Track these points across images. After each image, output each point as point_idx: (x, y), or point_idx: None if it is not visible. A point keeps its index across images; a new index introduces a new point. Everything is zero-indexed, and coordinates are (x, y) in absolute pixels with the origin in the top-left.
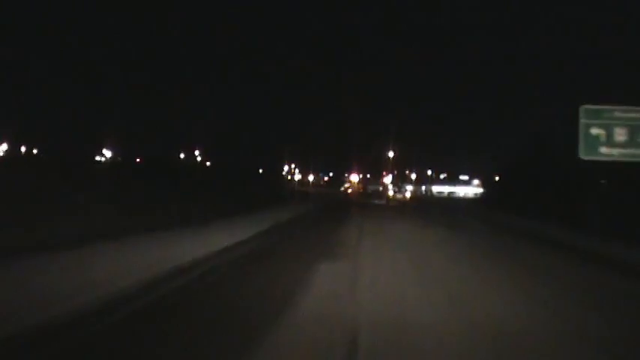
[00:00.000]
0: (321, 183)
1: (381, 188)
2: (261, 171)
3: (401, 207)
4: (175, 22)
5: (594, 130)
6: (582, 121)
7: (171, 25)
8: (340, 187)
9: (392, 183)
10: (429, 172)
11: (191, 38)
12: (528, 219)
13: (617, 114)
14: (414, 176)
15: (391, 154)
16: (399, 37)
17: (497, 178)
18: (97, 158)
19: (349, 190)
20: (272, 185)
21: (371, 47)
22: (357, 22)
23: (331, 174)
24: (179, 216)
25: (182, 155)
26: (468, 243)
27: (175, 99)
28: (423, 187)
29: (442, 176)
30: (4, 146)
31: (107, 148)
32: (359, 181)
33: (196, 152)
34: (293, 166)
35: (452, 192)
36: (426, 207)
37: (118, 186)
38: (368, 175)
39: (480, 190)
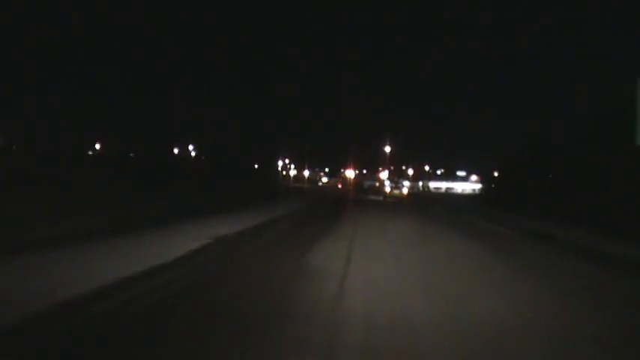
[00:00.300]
0: (317, 178)
1: (377, 184)
2: (257, 166)
3: (399, 204)
4: (175, 21)
5: None
6: None
7: (171, 24)
8: (321, 181)
9: (388, 179)
10: (427, 168)
11: (190, 38)
12: (533, 218)
13: None
14: (411, 172)
15: (388, 149)
16: (399, 36)
17: (496, 174)
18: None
19: (327, 185)
20: (265, 181)
21: (370, 47)
22: (357, 21)
23: (327, 169)
24: (136, 216)
25: (176, 150)
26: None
27: (175, 96)
28: (420, 183)
29: (439, 172)
30: None
31: (102, 143)
32: (355, 176)
33: (190, 147)
34: (287, 161)
35: (449, 188)
36: (427, 204)
37: (80, 182)
38: (364, 171)
39: (478, 186)
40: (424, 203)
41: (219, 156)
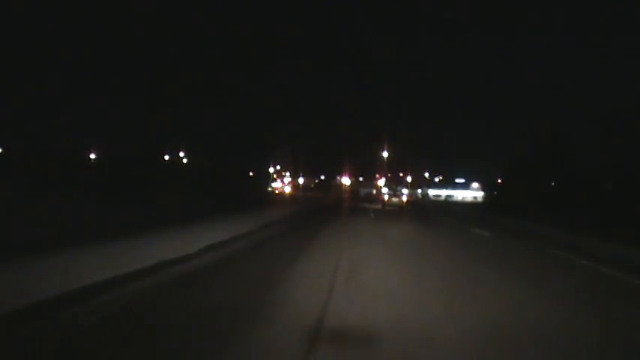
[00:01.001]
0: (312, 186)
1: (374, 191)
2: (251, 173)
3: (401, 213)
4: (172, 21)
5: None
6: None
7: (169, 25)
8: (270, 187)
9: (386, 186)
10: (427, 175)
11: (188, 37)
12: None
13: None
14: (409, 179)
15: (385, 154)
16: (400, 36)
17: (499, 181)
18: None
19: (280, 191)
20: (249, 188)
21: (369, 47)
22: (356, 21)
23: (322, 177)
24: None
25: (167, 157)
26: None
27: (170, 100)
28: (419, 190)
29: (437, 179)
30: None
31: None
32: (351, 183)
33: (182, 154)
34: (278, 167)
35: (449, 195)
36: (433, 215)
37: None
38: (360, 178)
39: (480, 194)
40: (432, 214)
41: (206, 161)
